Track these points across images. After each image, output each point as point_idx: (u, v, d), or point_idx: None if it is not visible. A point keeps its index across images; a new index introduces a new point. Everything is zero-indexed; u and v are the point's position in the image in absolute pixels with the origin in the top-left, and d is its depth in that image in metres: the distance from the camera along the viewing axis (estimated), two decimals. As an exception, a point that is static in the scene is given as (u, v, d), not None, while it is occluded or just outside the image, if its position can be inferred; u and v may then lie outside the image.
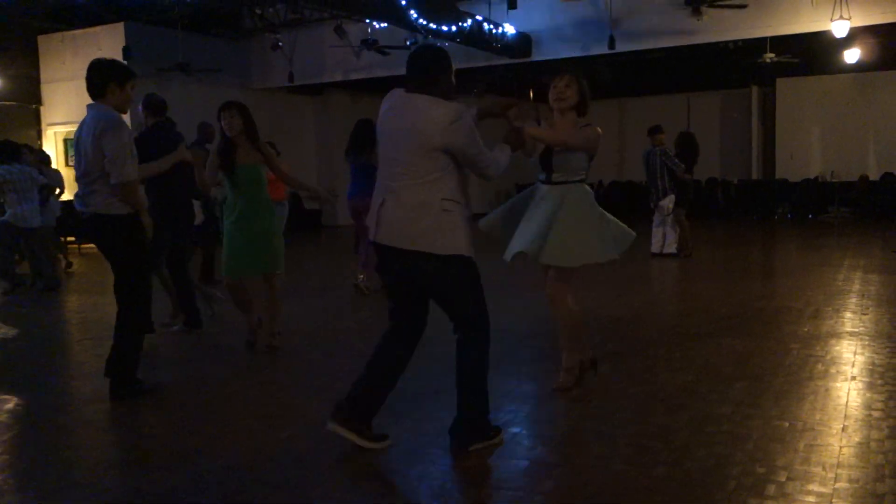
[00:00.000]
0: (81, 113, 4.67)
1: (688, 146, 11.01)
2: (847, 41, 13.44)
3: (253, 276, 5.68)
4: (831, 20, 12.04)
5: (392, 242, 3.45)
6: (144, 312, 4.87)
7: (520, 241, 4.26)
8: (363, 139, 8.51)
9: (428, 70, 3.48)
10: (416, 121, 3.38)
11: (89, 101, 4.60)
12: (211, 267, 9.12)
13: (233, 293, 5.71)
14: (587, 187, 4.41)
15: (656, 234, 11.01)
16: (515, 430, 3.90)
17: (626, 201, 18.49)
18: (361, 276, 8.40)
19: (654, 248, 11.00)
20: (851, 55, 14.60)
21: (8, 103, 15.42)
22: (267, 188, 5.64)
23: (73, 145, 4.65)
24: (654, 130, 10.77)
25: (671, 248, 10.87)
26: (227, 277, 5.63)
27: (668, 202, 10.63)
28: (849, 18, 11.96)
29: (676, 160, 10.59)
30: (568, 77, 4.37)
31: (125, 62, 5.48)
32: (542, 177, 4.39)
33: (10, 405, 4.65)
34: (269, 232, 5.57)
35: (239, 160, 5.42)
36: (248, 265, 5.55)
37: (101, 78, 4.54)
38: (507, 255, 4.29)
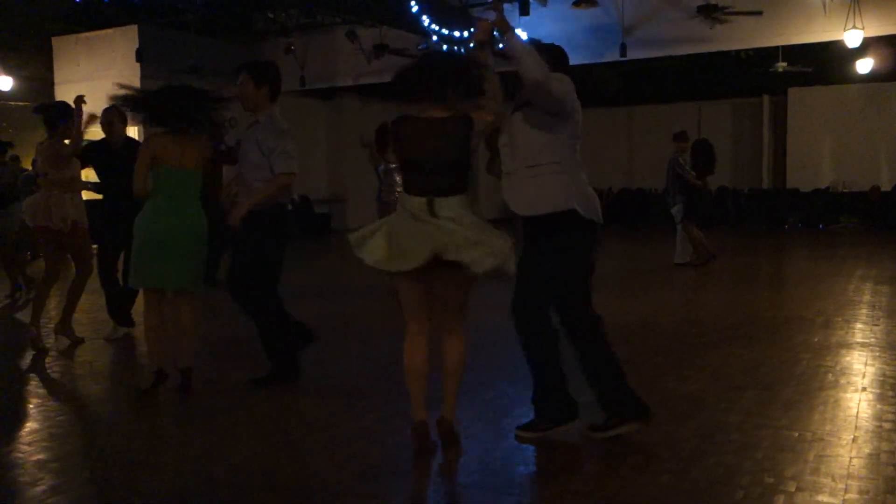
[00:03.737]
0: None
1: (702, 154, 10.87)
2: (860, 51, 13.37)
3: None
4: (844, 30, 12.00)
5: None
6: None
7: None
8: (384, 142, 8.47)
9: None
10: None
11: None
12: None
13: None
14: None
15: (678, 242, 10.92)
16: (522, 436, 3.88)
17: (636, 209, 18.39)
18: None
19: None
20: (864, 65, 14.52)
21: (22, 104, 15.51)
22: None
23: None
24: (677, 137, 10.72)
25: (682, 258, 10.75)
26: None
27: (678, 210, 10.57)
28: (862, 28, 11.91)
29: (686, 167, 10.52)
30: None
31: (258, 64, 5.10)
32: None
33: (17, 405, 4.67)
34: None
35: None
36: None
37: None
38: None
